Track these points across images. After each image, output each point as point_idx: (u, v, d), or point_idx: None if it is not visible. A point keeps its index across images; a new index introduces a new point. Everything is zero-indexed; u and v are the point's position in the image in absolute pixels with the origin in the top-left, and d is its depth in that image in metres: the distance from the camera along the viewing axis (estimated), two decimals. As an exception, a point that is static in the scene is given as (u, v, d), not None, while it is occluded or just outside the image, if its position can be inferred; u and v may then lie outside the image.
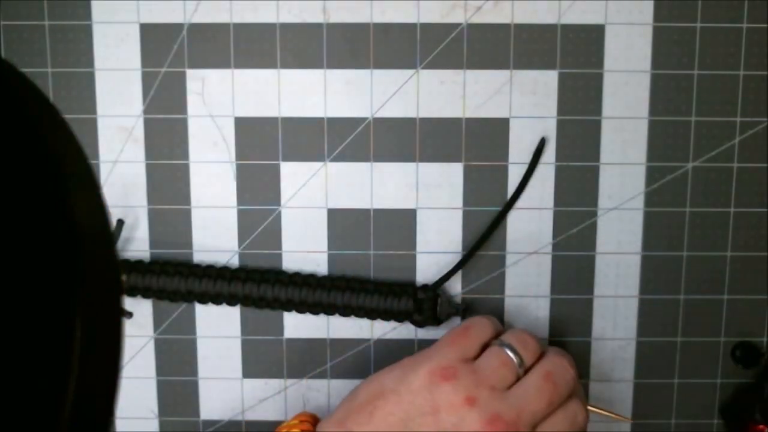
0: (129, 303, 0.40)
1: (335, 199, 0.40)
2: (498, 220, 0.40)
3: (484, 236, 0.39)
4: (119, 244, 0.40)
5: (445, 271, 0.40)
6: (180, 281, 0.39)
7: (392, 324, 0.41)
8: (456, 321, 0.40)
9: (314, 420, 0.37)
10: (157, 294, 0.39)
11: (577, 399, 0.35)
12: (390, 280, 0.40)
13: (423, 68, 0.39)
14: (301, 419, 0.36)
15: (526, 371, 0.35)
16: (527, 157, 0.39)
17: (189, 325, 0.41)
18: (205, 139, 0.40)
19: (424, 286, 0.40)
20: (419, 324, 0.40)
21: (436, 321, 0.40)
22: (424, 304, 0.39)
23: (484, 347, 0.35)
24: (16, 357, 0.15)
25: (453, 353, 0.35)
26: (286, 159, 0.40)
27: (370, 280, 0.40)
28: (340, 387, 0.41)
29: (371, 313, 0.40)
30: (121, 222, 0.39)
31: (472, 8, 0.39)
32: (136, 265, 0.40)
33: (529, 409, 0.33)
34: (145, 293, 0.40)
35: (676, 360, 0.41)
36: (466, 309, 0.40)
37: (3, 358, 0.14)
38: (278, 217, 0.40)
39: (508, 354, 0.34)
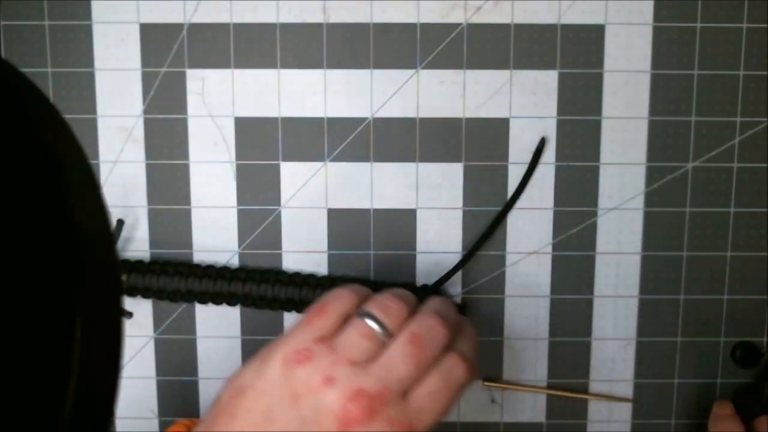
0: (129, 303, 0.40)
1: (335, 199, 0.40)
2: (498, 220, 0.40)
3: (484, 236, 0.39)
4: (119, 244, 0.40)
5: (445, 271, 0.40)
6: (180, 281, 0.39)
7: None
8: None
9: (192, 425, 0.36)
10: (157, 294, 0.39)
11: (453, 353, 0.33)
12: (390, 280, 0.40)
13: (423, 68, 0.39)
14: (176, 430, 0.36)
15: (394, 337, 0.32)
16: (527, 157, 0.39)
17: (189, 325, 0.41)
18: (205, 139, 0.40)
19: (424, 286, 0.40)
20: None
21: None
22: None
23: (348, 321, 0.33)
24: (17, 357, 0.15)
25: (307, 334, 0.32)
26: (286, 159, 0.40)
27: (370, 280, 0.40)
28: (340, 387, 0.41)
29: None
30: (121, 222, 0.39)
31: (472, 8, 0.39)
32: (136, 265, 0.40)
33: (395, 378, 0.31)
34: (145, 293, 0.40)
35: (676, 360, 0.41)
36: (466, 308, 0.40)
37: (3, 359, 0.15)
38: (278, 217, 0.40)
39: (367, 324, 0.32)
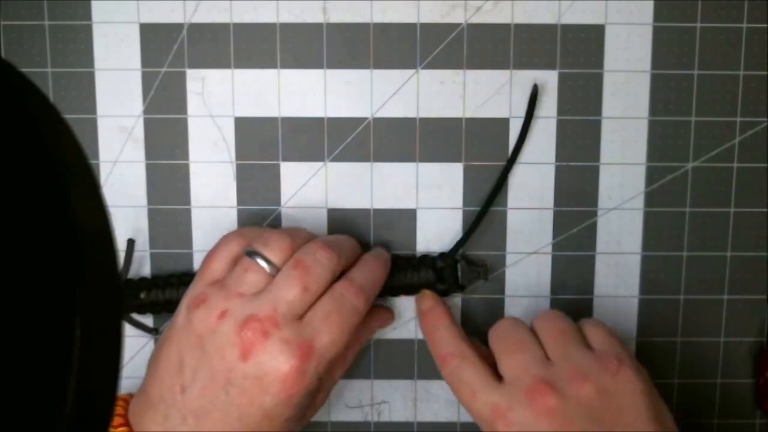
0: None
1: (335, 199, 0.40)
2: (505, 174, 0.39)
3: (495, 190, 0.39)
4: (133, 266, 0.39)
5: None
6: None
7: (392, 324, 0.41)
8: (479, 285, 0.40)
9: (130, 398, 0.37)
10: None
11: (344, 279, 0.35)
12: (405, 254, 0.40)
13: (423, 68, 0.39)
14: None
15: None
16: (527, 158, 0.40)
17: (189, 325, 0.41)
18: (205, 139, 0.40)
19: (442, 254, 0.39)
20: (444, 293, 0.39)
21: (460, 287, 0.39)
22: (445, 272, 0.39)
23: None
24: (16, 357, 0.15)
25: (202, 280, 0.35)
26: (286, 159, 0.40)
27: None
28: (341, 387, 0.41)
29: (394, 291, 0.39)
30: (131, 242, 0.39)
31: (472, 8, 0.39)
32: (156, 281, 0.39)
33: (283, 300, 0.33)
34: (167, 306, 0.39)
35: (676, 360, 0.41)
36: (487, 270, 0.40)
37: (3, 358, 0.15)
38: (278, 217, 0.40)
39: (252, 260, 0.34)
